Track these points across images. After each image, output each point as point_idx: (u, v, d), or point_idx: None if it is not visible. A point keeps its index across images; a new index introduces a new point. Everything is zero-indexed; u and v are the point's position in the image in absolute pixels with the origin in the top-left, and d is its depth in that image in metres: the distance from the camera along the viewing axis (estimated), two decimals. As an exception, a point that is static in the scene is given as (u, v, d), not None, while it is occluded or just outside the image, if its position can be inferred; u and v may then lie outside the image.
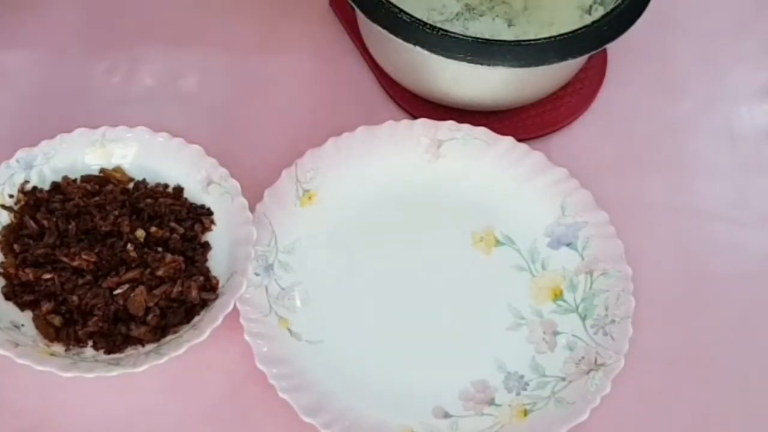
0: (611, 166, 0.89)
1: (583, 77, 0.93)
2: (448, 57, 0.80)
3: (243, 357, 0.76)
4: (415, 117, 0.90)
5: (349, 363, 0.77)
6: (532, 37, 0.86)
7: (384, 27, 0.81)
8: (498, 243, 0.84)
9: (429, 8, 0.92)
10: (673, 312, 0.81)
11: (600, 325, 0.78)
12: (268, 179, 0.83)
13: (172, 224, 0.80)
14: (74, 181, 0.82)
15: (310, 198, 0.84)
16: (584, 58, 0.84)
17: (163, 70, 0.93)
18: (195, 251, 0.79)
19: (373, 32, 0.86)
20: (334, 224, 0.84)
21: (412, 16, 0.81)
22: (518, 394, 0.77)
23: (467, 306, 0.81)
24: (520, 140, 0.87)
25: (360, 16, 0.84)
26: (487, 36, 0.88)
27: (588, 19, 0.88)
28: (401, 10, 0.81)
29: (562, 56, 0.81)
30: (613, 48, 0.86)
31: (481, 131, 0.86)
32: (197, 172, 0.82)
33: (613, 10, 0.83)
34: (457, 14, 0.92)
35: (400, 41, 0.81)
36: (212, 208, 0.82)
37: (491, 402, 0.77)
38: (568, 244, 0.83)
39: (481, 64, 0.80)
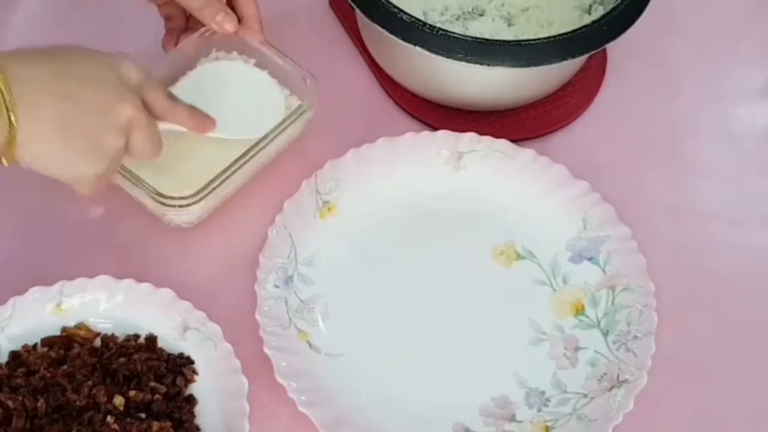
0: (611, 165, 0.89)
1: (583, 77, 0.93)
2: (448, 57, 0.80)
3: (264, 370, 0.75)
4: (414, 117, 0.91)
5: (369, 377, 0.77)
6: (532, 37, 0.85)
7: (383, 27, 0.81)
8: (519, 257, 0.83)
9: (429, 8, 0.92)
10: (672, 311, 0.81)
11: (622, 341, 0.78)
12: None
13: (152, 384, 0.73)
14: (35, 347, 0.75)
15: (329, 209, 0.83)
16: (584, 57, 0.84)
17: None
18: (181, 410, 0.73)
19: (373, 32, 0.86)
20: (354, 236, 0.83)
21: (411, 16, 0.81)
22: (539, 410, 0.76)
23: (487, 320, 0.80)
24: (520, 140, 0.87)
25: (360, 16, 0.84)
26: (487, 36, 0.87)
27: (588, 19, 0.88)
28: (400, 10, 0.81)
29: (562, 56, 0.81)
30: (613, 48, 0.87)
31: (502, 143, 0.85)
32: (170, 318, 0.77)
33: (613, 10, 0.83)
34: (457, 16, 0.92)
35: (399, 41, 0.81)
36: (192, 356, 0.76)
37: (512, 418, 0.76)
38: (590, 259, 0.82)
39: (481, 64, 0.80)
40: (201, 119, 0.77)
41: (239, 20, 0.84)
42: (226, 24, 0.82)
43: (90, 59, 0.70)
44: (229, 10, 0.83)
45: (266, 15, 0.96)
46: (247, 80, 0.83)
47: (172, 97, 0.76)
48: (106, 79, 0.69)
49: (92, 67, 0.69)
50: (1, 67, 0.64)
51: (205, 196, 0.77)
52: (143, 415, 0.72)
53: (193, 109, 0.77)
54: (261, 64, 0.85)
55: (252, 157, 0.79)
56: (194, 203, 0.77)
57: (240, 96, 0.82)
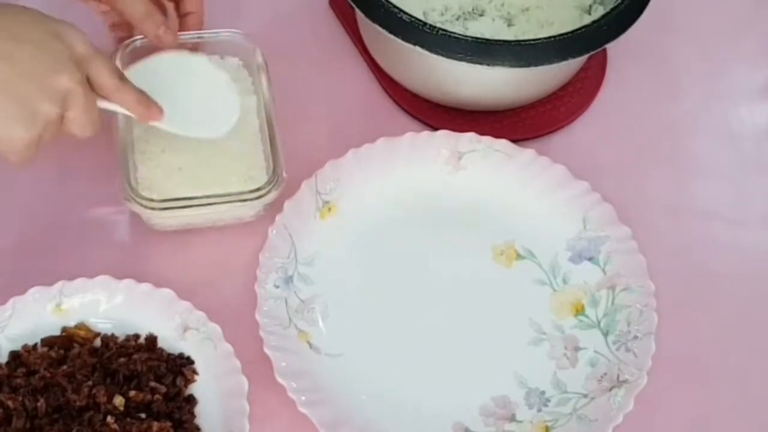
0: (611, 165, 0.89)
1: (583, 77, 0.93)
2: (448, 57, 0.80)
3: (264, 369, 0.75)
4: (414, 117, 0.91)
5: (368, 377, 0.77)
6: (532, 37, 0.86)
7: (383, 27, 0.81)
8: (519, 257, 0.83)
9: (429, 8, 0.92)
10: (672, 311, 0.81)
11: (622, 341, 0.78)
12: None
13: (153, 384, 0.73)
14: (35, 347, 0.75)
15: (330, 210, 0.83)
16: (584, 57, 0.84)
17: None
18: (181, 410, 0.73)
19: (372, 32, 0.86)
20: (354, 236, 0.83)
21: (411, 16, 0.81)
22: (539, 410, 0.76)
23: (487, 320, 0.80)
24: (519, 140, 0.87)
25: (360, 16, 0.84)
26: (487, 36, 0.87)
27: (588, 19, 0.88)
28: (400, 10, 0.81)
29: (562, 56, 0.81)
30: (613, 48, 0.86)
31: (502, 143, 0.85)
32: (170, 318, 0.76)
33: (613, 9, 0.83)
34: (457, 16, 0.92)
35: (399, 41, 0.81)
36: (192, 356, 0.76)
37: (512, 418, 0.76)
38: (590, 259, 0.82)
39: (481, 64, 0.80)
40: (148, 106, 0.75)
41: (184, 16, 0.83)
42: (167, 38, 0.80)
43: (36, 22, 0.69)
44: (169, 24, 0.81)
45: (266, 15, 0.96)
46: (203, 76, 0.81)
47: (122, 78, 0.73)
48: (48, 46, 0.68)
49: (37, 31, 0.68)
50: None
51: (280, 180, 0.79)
52: (143, 416, 0.72)
53: (142, 94, 0.74)
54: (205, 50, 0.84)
55: None
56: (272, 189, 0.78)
57: (195, 91, 0.80)
